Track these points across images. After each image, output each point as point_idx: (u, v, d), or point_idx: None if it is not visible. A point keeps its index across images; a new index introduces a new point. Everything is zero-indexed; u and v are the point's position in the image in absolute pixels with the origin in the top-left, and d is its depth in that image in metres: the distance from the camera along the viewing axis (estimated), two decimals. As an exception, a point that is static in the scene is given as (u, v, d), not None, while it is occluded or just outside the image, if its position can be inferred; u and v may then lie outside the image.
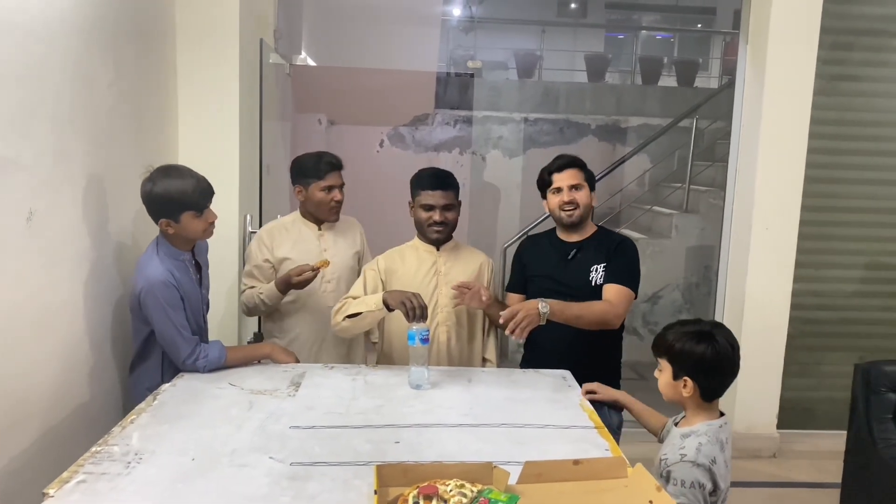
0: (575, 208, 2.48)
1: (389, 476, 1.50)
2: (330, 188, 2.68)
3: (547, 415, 2.02)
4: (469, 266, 2.57)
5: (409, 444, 1.79)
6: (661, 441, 1.98)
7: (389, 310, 2.27)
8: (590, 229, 2.58)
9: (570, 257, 2.53)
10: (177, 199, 2.17)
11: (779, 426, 4.00)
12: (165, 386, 2.14)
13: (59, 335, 2.13)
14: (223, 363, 2.28)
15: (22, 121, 1.88)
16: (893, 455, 3.09)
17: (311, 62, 5.92)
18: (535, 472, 1.56)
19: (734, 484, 2.15)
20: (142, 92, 2.75)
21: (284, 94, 4.76)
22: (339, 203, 2.72)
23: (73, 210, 2.19)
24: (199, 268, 2.42)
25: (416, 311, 2.18)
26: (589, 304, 2.37)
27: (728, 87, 4.37)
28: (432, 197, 2.46)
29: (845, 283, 4.16)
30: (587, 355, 2.47)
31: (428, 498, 1.41)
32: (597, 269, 2.48)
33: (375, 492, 1.43)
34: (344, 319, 2.36)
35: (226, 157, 3.16)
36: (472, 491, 1.45)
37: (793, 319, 3.91)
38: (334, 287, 2.75)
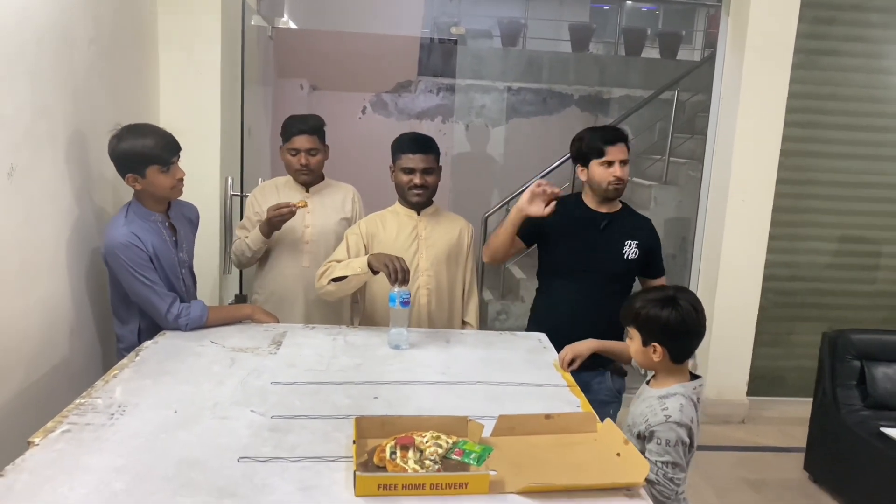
0: (622, 184, 2.49)
1: (368, 428, 1.56)
2: (296, 151, 2.70)
3: (522, 374, 2.08)
4: (449, 231, 2.60)
5: (387, 399, 1.84)
6: None
7: (374, 273, 2.30)
8: (618, 203, 2.60)
9: (602, 227, 2.53)
10: (141, 153, 2.17)
11: (749, 393, 4.12)
12: (147, 343, 2.16)
13: (40, 290, 2.14)
14: (205, 322, 2.31)
15: (1, 75, 1.87)
16: (856, 419, 3.21)
17: (293, 25, 5.85)
18: (508, 426, 1.62)
19: (704, 448, 2.24)
20: (122, 51, 2.73)
21: (266, 58, 4.72)
22: (305, 167, 2.72)
23: (53, 167, 2.19)
24: (175, 230, 2.40)
25: (399, 273, 2.20)
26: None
27: (710, 59, 4.39)
28: (412, 160, 2.48)
29: (817, 256, 4.26)
30: (598, 318, 2.43)
31: (405, 448, 1.46)
32: (630, 244, 2.53)
33: (354, 442, 1.48)
34: (329, 283, 2.39)
35: (207, 118, 3.16)
36: (447, 442, 1.50)
37: (765, 290, 4.01)
38: (312, 248, 2.78)
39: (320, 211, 2.81)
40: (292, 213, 2.61)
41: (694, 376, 1.85)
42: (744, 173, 3.83)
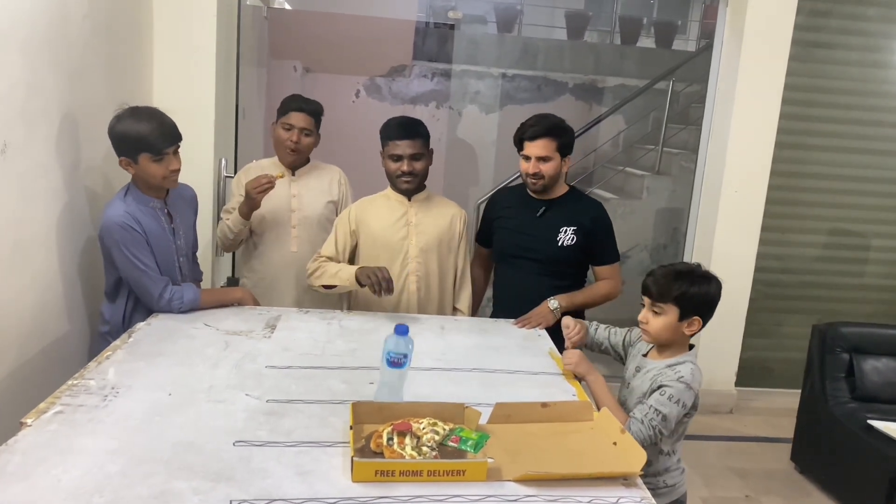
0: (539, 179, 2.46)
1: (364, 413, 1.55)
2: (290, 126, 2.68)
3: (517, 361, 2.08)
4: (441, 217, 2.58)
5: (383, 385, 1.83)
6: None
7: (361, 285, 2.34)
8: (561, 189, 2.56)
9: (538, 214, 2.54)
10: (133, 140, 2.12)
11: (737, 384, 4.14)
12: (140, 325, 2.14)
13: (32, 269, 2.12)
14: (198, 305, 2.29)
15: (-5, 51, 1.84)
16: (844, 412, 3.24)
17: (287, 6, 5.79)
18: (505, 413, 1.62)
19: (692, 437, 2.27)
20: (116, 28, 2.69)
21: (261, 39, 4.67)
22: (296, 144, 2.69)
23: (46, 145, 2.16)
24: (173, 218, 2.36)
25: (382, 283, 2.24)
26: (593, 290, 2.57)
27: (705, 50, 4.39)
28: (400, 147, 2.45)
29: (808, 248, 4.28)
30: (540, 301, 2.49)
31: (402, 434, 1.46)
32: (566, 230, 2.51)
33: (351, 427, 1.48)
34: (319, 286, 2.47)
35: (201, 99, 3.12)
36: (444, 429, 1.50)
37: (756, 282, 4.02)
38: (299, 233, 2.75)
39: (307, 194, 2.78)
40: (271, 185, 2.55)
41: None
42: (738, 165, 3.83)
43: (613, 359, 2.18)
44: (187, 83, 3.09)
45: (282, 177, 2.65)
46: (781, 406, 4.01)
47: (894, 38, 4.06)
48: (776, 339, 4.36)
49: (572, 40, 7.30)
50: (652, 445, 1.81)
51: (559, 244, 2.50)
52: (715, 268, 3.82)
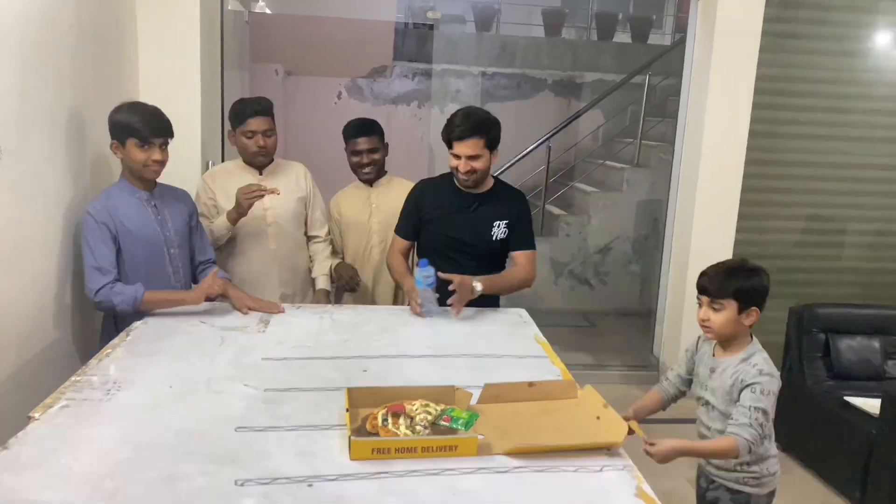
0: (471, 176, 2.50)
1: (359, 397, 1.62)
2: (252, 133, 2.71)
3: (504, 346, 2.16)
4: (399, 196, 2.78)
5: (376, 372, 1.91)
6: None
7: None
8: (488, 182, 2.61)
9: (472, 210, 2.58)
10: (125, 125, 2.27)
11: (719, 368, 4.23)
12: (137, 323, 2.20)
13: (31, 271, 2.18)
14: (138, 304, 2.25)
15: (-12, 58, 1.89)
16: (821, 389, 3.35)
17: (268, 10, 5.84)
18: (494, 394, 1.70)
19: (673, 420, 2.36)
20: (102, 35, 2.74)
21: (242, 43, 4.72)
22: (263, 148, 2.73)
23: (39, 148, 2.21)
24: (159, 210, 2.42)
25: (348, 283, 2.83)
26: (511, 275, 2.64)
27: (680, 44, 4.48)
28: (358, 144, 2.87)
29: (784, 234, 4.39)
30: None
31: (396, 415, 1.53)
32: (499, 224, 2.59)
33: (347, 410, 1.55)
34: None
35: (187, 102, 3.17)
36: (436, 409, 1.57)
37: (734, 268, 4.11)
38: (276, 231, 2.81)
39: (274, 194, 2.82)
40: (262, 195, 2.61)
41: None
42: (713, 155, 3.93)
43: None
44: (173, 88, 3.13)
45: (277, 193, 2.66)
46: (763, 388, 4.11)
47: (863, 28, 4.17)
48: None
49: (550, 37, 7.40)
50: (761, 442, 1.90)
51: (493, 238, 2.58)
52: (694, 256, 4.00)
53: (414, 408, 1.56)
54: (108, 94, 2.75)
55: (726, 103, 3.87)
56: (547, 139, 5.74)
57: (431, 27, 6.95)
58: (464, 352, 2.09)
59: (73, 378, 1.76)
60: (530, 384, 1.72)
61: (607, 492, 1.36)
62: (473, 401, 1.66)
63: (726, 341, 2.03)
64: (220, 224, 2.70)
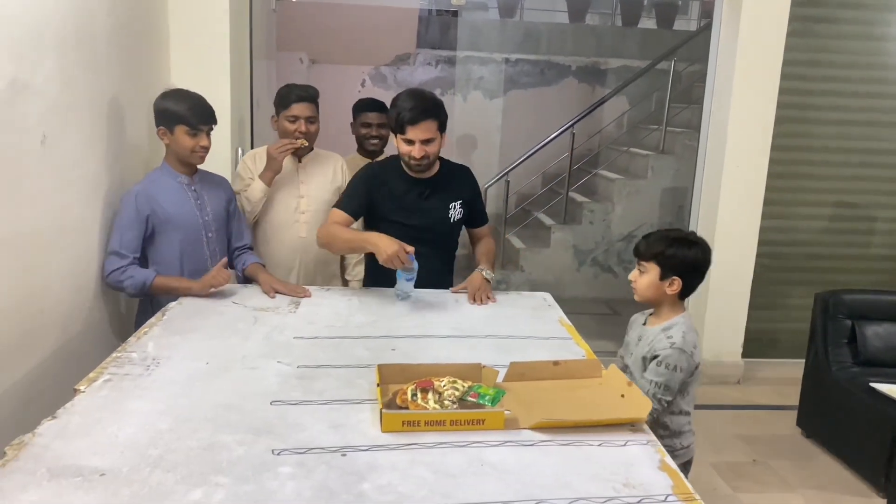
0: (425, 160, 2.42)
1: (389, 374, 1.68)
2: (295, 118, 2.76)
3: (529, 328, 2.20)
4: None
5: (404, 351, 1.96)
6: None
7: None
8: (436, 165, 2.55)
9: (425, 196, 2.53)
10: (175, 112, 2.38)
11: (743, 355, 4.24)
12: (172, 304, 2.27)
13: (71, 254, 2.26)
14: (146, 288, 2.35)
15: (32, 45, 1.95)
16: (846, 376, 3.35)
17: (293, -1, 5.89)
18: (519, 372, 1.74)
19: (701, 406, 2.39)
20: (136, 23, 2.80)
21: (269, 31, 4.77)
22: (304, 134, 2.78)
23: (79, 135, 2.29)
24: (199, 194, 2.52)
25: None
26: (489, 248, 2.69)
27: (706, 29, 4.46)
28: (369, 117, 3.18)
29: (811, 221, 4.37)
30: (436, 279, 2.56)
31: (424, 391, 1.58)
32: (454, 206, 2.58)
33: (378, 385, 1.60)
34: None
35: (217, 91, 3.19)
36: (463, 386, 1.62)
37: (760, 255, 4.11)
38: (308, 219, 2.87)
39: (314, 182, 2.90)
40: (294, 146, 2.74)
41: None
42: (739, 141, 3.91)
43: None
44: (203, 76, 3.18)
45: (305, 144, 2.77)
46: (787, 375, 4.10)
47: (893, 11, 4.12)
48: (781, 310, 4.45)
49: (574, 23, 7.36)
50: (663, 413, 1.95)
51: (451, 220, 2.58)
52: (719, 243, 4.00)
53: (442, 384, 1.61)
54: (142, 83, 2.83)
55: (753, 89, 3.85)
56: (571, 126, 5.75)
57: (455, 14, 6.95)
58: (489, 333, 2.14)
59: (114, 354, 1.83)
60: (555, 363, 1.76)
61: (631, 465, 1.40)
62: (499, 378, 1.71)
63: (658, 310, 2.07)
64: (255, 188, 2.76)
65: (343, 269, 3.14)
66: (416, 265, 2.30)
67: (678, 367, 1.91)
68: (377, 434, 1.46)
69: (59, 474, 1.27)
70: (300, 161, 2.89)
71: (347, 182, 2.95)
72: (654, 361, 1.93)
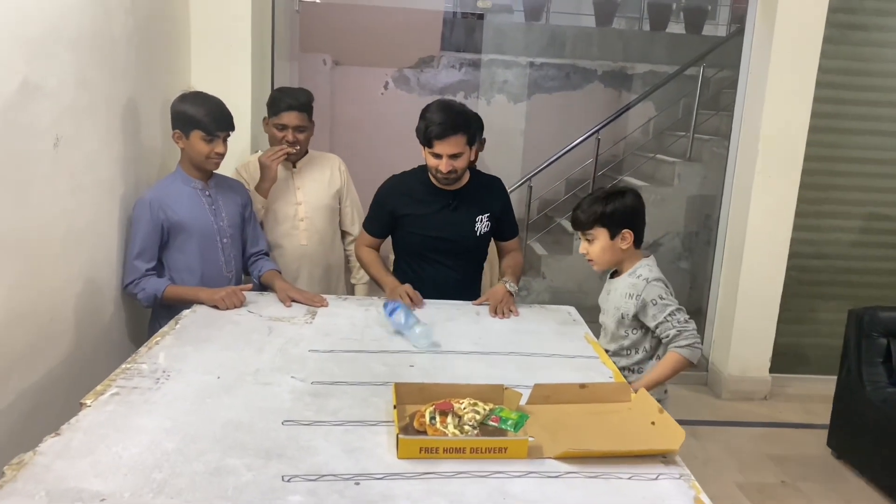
0: (452, 174, 2.38)
1: (406, 394, 1.60)
2: (283, 127, 2.67)
3: (553, 345, 2.11)
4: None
5: (422, 368, 1.89)
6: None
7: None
8: (465, 176, 2.50)
9: (452, 208, 2.48)
10: (192, 116, 2.33)
11: (771, 370, 4.12)
12: (186, 312, 2.22)
13: (85, 258, 2.21)
14: (158, 300, 2.33)
15: (46, 47, 1.91)
16: (881, 397, 3.21)
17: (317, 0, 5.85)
18: (544, 394, 1.65)
19: (727, 423, 2.32)
20: (155, 24, 2.75)
21: (292, 32, 4.73)
22: (293, 144, 2.69)
23: (94, 137, 2.24)
24: (214, 200, 2.47)
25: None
26: (516, 261, 2.62)
27: (736, 35, 4.35)
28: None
29: (843, 233, 4.23)
30: (447, 289, 2.51)
31: (444, 413, 1.50)
32: (481, 219, 2.51)
33: (395, 407, 1.52)
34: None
35: (238, 93, 3.17)
36: (484, 409, 1.54)
37: (790, 267, 3.99)
38: (307, 226, 2.80)
39: (311, 186, 2.82)
40: (285, 154, 2.66)
41: None
42: (771, 150, 3.80)
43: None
44: (224, 79, 3.14)
45: (296, 149, 2.70)
46: (817, 392, 3.98)
47: (932, 19, 3.99)
48: (810, 325, 4.32)
49: (601, 27, 7.25)
50: (645, 360, 2.09)
51: (477, 234, 2.52)
52: (748, 253, 3.89)
53: (462, 406, 1.53)
54: (161, 84, 2.78)
55: (786, 97, 3.73)
56: (596, 131, 5.64)
57: (480, 17, 6.88)
58: (511, 350, 2.05)
59: (123, 365, 1.77)
60: (582, 386, 1.68)
61: (663, 501, 1.31)
62: (523, 401, 1.63)
63: (620, 269, 2.12)
64: (254, 202, 2.69)
65: (348, 272, 3.07)
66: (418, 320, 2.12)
67: (666, 290, 1.98)
68: (393, 460, 1.39)
69: (58, 499, 1.21)
70: (294, 166, 2.80)
71: (349, 183, 2.93)
72: (650, 304, 1.99)
